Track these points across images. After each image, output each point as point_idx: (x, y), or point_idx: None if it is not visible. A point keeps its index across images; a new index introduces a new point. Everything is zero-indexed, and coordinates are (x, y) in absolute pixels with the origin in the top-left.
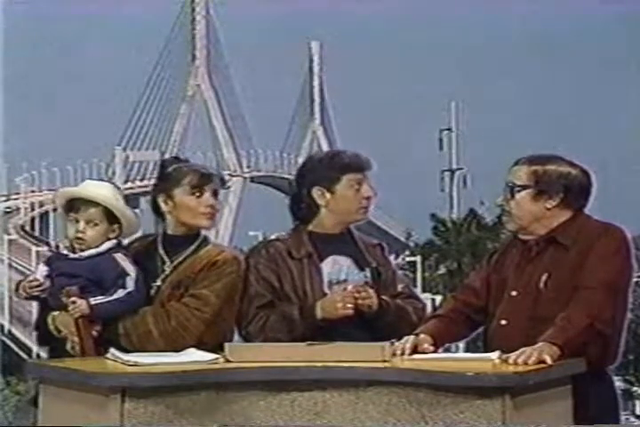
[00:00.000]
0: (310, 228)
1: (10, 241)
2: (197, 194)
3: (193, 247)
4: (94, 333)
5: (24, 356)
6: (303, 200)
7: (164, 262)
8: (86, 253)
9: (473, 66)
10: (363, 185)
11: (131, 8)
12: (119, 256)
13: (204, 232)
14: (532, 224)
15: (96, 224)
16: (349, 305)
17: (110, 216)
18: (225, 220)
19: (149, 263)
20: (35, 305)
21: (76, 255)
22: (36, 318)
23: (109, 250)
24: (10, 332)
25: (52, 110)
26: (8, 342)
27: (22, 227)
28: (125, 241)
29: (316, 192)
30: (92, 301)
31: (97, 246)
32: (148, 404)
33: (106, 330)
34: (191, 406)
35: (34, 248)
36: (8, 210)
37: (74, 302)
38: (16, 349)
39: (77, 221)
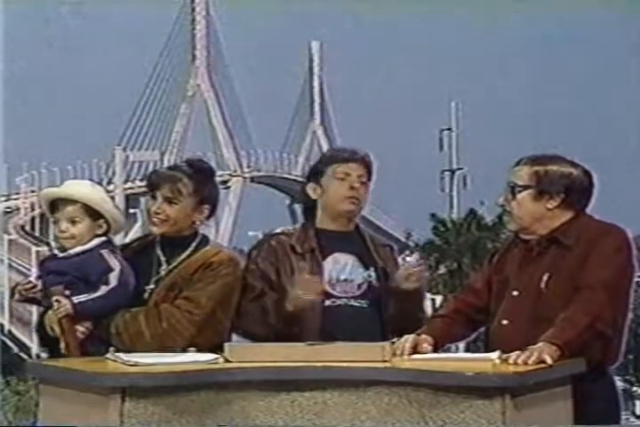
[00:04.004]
0: (317, 225)
1: (10, 241)
2: (152, 197)
3: (190, 249)
4: (83, 329)
5: (24, 356)
6: (306, 197)
7: (160, 264)
8: (73, 251)
9: (473, 66)
10: (348, 177)
11: (131, 8)
12: (106, 253)
13: (202, 232)
14: (533, 224)
15: (78, 221)
16: (302, 292)
17: (92, 212)
18: (225, 220)
19: (146, 264)
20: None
21: (64, 254)
22: (37, 320)
23: (97, 247)
24: (10, 332)
25: (52, 110)
26: (8, 342)
27: (22, 227)
28: (126, 240)
29: (309, 188)
30: (75, 299)
31: (84, 244)
32: (147, 404)
33: (98, 328)
34: (191, 406)
35: (34, 248)
36: (8, 210)
37: (58, 302)
38: (16, 349)
39: (59, 221)
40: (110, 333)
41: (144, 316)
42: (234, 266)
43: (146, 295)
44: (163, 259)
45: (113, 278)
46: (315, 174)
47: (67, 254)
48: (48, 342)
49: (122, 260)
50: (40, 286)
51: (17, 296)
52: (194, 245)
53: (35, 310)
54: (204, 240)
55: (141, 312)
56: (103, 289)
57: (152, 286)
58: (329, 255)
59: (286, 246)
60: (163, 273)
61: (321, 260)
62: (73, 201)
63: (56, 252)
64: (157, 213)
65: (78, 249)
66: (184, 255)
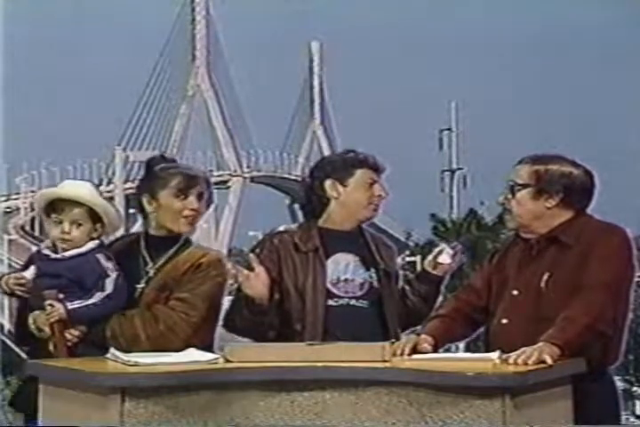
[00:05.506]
0: (320, 223)
1: (10, 241)
2: (182, 197)
3: (174, 249)
4: (77, 333)
5: (24, 356)
6: (315, 192)
7: (146, 264)
8: (68, 254)
9: (473, 66)
10: (376, 184)
11: (131, 8)
12: (101, 257)
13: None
14: (532, 223)
15: (80, 224)
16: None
17: (93, 216)
18: (225, 220)
19: (132, 264)
20: None
21: (58, 256)
22: (15, 316)
23: (92, 250)
24: (10, 332)
25: (52, 110)
26: (8, 342)
27: (22, 227)
28: (110, 239)
29: (328, 184)
30: (70, 305)
31: (79, 247)
32: (148, 404)
33: (93, 332)
34: (191, 406)
35: (34, 248)
36: (8, 210)
37: (51, 306)
38: (16, 349)
39: (61, 222)
40: (106, 336)
41: (139, 318)
42: (222, 267)
43: (136, 294)
44: (149, 259)
45: (109, 284)
46: (338, 172)
47: (61, 257)
48: (29, 341)
49: (116, 264)
50: (30, 284)
51: (3, 286)
52: (177, 245)
53: None
54: (187, 241)
55: (136, 315)
56: (98, 296)
57: (142, 286)
58: (332, 255)
59: (289, 245)
60: (151, 272)
61: (324, 259)
62: (79, 204)
63: (47, 252)
64: (196, 211)
65: (73, 252)
66: (169, 254)
